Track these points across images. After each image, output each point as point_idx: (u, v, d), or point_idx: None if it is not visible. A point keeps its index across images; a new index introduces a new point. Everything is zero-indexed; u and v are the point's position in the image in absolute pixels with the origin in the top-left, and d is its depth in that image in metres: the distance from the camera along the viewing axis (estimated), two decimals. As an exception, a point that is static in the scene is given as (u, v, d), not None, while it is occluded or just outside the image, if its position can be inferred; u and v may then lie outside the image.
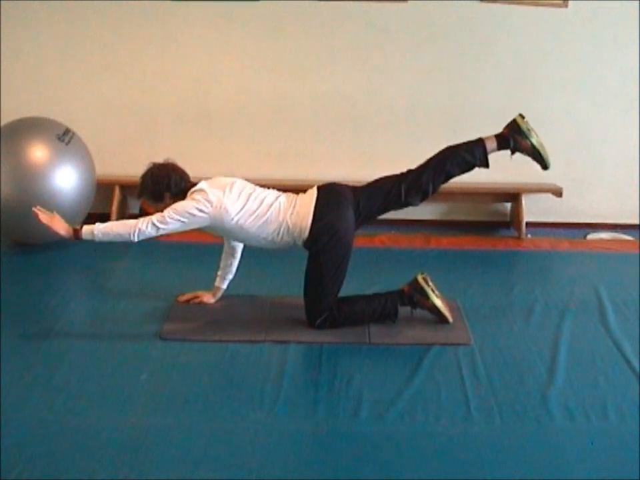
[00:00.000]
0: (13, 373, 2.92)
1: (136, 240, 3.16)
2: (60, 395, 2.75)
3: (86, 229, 3.17)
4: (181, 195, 3.26)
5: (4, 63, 4.88)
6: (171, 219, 3.16)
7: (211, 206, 3.17)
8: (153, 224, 3.16)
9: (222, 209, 3.19)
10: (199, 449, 2.44)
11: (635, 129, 5.03)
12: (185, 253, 4.43)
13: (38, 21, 4.86)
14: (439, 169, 3.31)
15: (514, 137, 3.31)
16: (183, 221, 3.18)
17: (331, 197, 3.29)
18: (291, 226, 3.23)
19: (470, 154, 3.31)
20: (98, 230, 3.16)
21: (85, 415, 2.63)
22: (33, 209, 3.24)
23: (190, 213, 3.17)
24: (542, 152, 3.33)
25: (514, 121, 3.33)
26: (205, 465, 2.35)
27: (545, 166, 3.38)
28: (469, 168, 3.35)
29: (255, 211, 3.22)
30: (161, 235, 3.23)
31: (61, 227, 3.21)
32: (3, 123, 4.36)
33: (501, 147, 3.33)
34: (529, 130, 3.30)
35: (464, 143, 3.35)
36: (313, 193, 3.30)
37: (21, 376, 2.89)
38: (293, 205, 3.26)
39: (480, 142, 3.32)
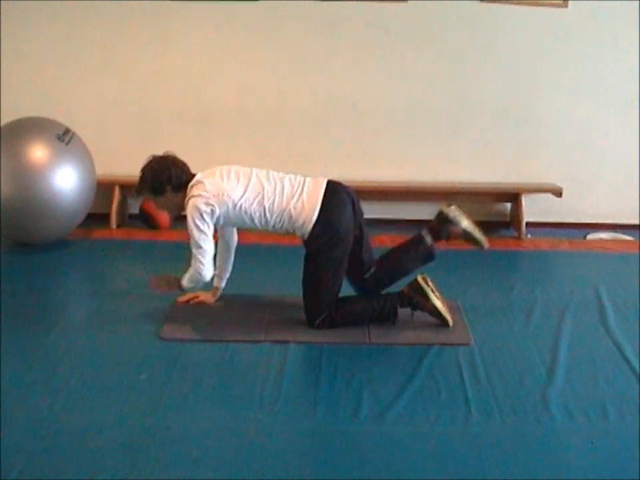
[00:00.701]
0: (13, 372, 2.91)
1: (209, 270, 3.28)
2: (60, 394, 2.75)
3: (183, 282, 3.36)
4: (182, 188, 3.26)
5: (4, 63, 4.88)
6: (200, 238, 3.20)
7: (211, 194, 3.17)
8: (197, 259, 3.23)
9: (224, 196, 3.18)
10: (199, 448, 2.43)
11: (634, 129, 5.04)
12: (185, 253, 4.41)
13: (38, 21, 4.87)
14: (393, 278, 3.46)
15: (444, 227, 3.42)
16: (204, 229, 3.19)
17: (338, 195, 3.28)
18: (294, 215, 3.20)
19: (414, 256, 3.44)
20: (186, 284, 3.34)
21: (84, 414, 2.63)
22: (150, 277, 3.49)
23: (201, 213, 3.17)
24: (474, 234, 3.44)
25: (440, 212, 3.45)
26: (205, 465, 2.35)
27: (481, 246, 3.47)
28: (424, 260, 3.46)
29: (257, 196, 3.21)
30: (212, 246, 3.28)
31: (171, 287, 3.41)
32: (3, 123, 4.36)
33: (435, 238, 3.44)
34: (456, 216, 3.41)
35: (407, 245, 3.49)
36: (321, 186, 3.26)
37: (21, 376, 2.89)
38: (299, 192, 3.23)
39: (419, 238, 3.45)
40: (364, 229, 3.41)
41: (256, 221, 3.25)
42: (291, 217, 3.21)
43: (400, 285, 3.42)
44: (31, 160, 4.10)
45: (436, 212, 3.47)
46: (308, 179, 3.31)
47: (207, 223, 3.20)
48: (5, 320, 3.39)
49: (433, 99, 5.02)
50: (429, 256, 3.45)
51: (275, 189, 3.23)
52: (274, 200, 3.21)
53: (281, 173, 3.34)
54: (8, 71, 4.89)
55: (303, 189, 3.25)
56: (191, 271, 3.29)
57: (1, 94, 4.88)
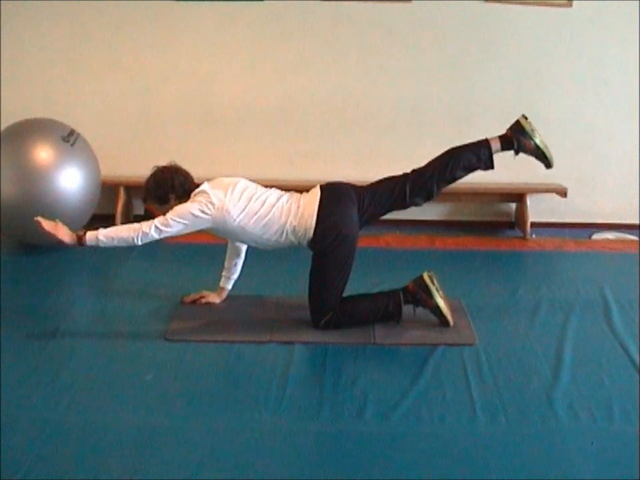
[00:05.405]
0: (18, 373, 2.92)
1: (139, 243, 3.17)
2: (65, 395, 2.75)
3: (90, 234, 3.15)
4: (185, 196, 3.27)
5: (8, 64, 4.89)
6: (174, 221, 3.17)
7: (213, 208, 3.17)
8: (156, 227, 3.16)
9: (224, 211, 3.19)
10: (204, 449, 2.44)
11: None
12: (190, 254, 4.43)
13: (42, 22, 4.87)
14: (444, 170, 3.32)
15: (517, 138, 3.32)
16: (185, 223, 3.18)
17: (335, 196, 3.29)
18: (296, 226, 3.23)
19: (475, 155, 3.33)
20: (102, 235, 3.15)
21: (89, 415, 2.63)
22: (35, 218, 3.21)
23: (192, 214, 3.17)
24: (546, 152, 3.35)
25: (517, 122, 3.34)
26: (209, 466, 2.35)
27: (548, 164, 3.40)
28: (474, 169, 3.36)
29: (257, 212, 3.22)
30: (165, 238, 3.23)
31: (65, 234, 3.18)
32: (7, 124, 4.37)
33: (504, 147, 3.35)
34: (532, 130, 3.31)
35: (469, 144, 3.36)
36: (316, 193, 3.30)
37: (25, 377, 2.90)
38: (297, 205, 3.26)
39: (485, 143, 3.33)
40: (376, 187, 3.37)
41: (256, 236, 3.25)
42: (294, 228, 3.23)
43: (404, 284, 3.42)
44: (35, 161, 4.11)
45: (513, 121, 3.36)
46: (304, 193, 3.34)
47: (186, 224, 3.18)
48: (10, 321, 3.40)
49: (437, 99, 5.01)
50: (483, 164, 3.33)
51: (274, 205, 3.24)
52: (273, 214, 3.22)
53: (281, 192, 3.35)
54: (12, 72, 4.90)
55: (300, 200, 3.28)
56: (129, 231, 3.16)
57: (6, 95, 4.89)
